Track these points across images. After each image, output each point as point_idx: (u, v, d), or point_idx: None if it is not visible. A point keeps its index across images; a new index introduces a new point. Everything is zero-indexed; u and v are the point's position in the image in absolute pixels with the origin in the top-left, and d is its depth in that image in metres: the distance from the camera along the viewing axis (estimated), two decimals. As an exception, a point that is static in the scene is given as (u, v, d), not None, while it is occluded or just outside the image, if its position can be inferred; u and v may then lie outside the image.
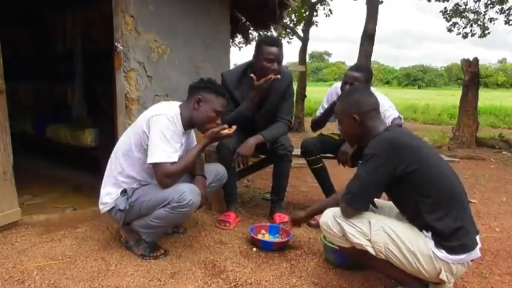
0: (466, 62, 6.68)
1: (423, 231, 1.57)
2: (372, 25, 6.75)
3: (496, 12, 9.83)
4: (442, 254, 1.52)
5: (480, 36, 10.31)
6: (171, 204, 1.92)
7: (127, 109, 2.77)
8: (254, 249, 2.24)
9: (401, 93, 29.78)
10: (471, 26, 10.30)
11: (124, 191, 2.03)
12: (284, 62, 2.70)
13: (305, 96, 9.67)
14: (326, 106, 2.85)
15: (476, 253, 1.57)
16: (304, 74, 10.02)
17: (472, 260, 1.60)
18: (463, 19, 10.28)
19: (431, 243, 1.54)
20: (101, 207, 2.09)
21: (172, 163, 1.93)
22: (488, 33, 10.22)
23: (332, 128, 3.15)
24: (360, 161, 1.67)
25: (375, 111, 1.75)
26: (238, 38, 8.26)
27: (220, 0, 3.55)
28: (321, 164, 2.79)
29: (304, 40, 9.78)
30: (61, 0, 4.31)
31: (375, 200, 1.92)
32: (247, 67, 2.66)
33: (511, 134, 8.33)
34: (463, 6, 10.00)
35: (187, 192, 1.92)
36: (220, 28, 3.62)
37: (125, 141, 2.07)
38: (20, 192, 2.55)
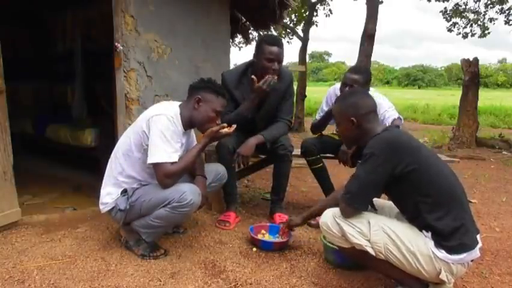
0: (466, 62, 6.68)
1: (423, 231, 1.57)
2: (372, 25, 6.74)
3: (496, 12, 9.84)
4: (442, 254, 1.52)
5: (480, 36, 10.32)
6: (172, 204, 1.92)
7: (127, 109, 2.77)
8: (254, 249, 2.24)
9: (401, 93, 29.78)
10: (471, 26, 10.31)
11: (125, 191, 2.03)
12: (284, 62, 2.69)
13: (305, 96, 9.68)
14: (325, 109, 2.85)
15: (476, 253, 1.57)
16: (304, 74, 10.02)
17: (472, 260, 1.60)
18: (463, 19, 10.29)
19: (431, 243, 1.54)
20: (101, 207, 2.09)
21: (172, 163, 1.93)
22: (488, 33, 10.22)
23: (332, 129, 3.15)
24: (360, 161, 1.68)
25: (373, 113, 1.76)
26: (238, 38, 8.27)
27: (220, 0, 3.55)
28: (321, 164, 2.79)
29: (304, 40, 9.78)
30: (61, 0, 4.31)
31: (375, 200, 1.92)
32: (248, 67, 2.66)
33: (511, 134, 8.33)
34: (463, 6, 10.01)
35: (187, 192, 1.92)
36: (220, 28, 3.62)
37: (125, 141, 2.07)
38: (20, 192, 2.55)
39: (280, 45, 2.51)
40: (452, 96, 20.60)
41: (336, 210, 1.71)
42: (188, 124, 2.09)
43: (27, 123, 4.39)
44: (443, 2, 9.92)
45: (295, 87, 8.08)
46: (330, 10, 10.21)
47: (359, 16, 8.47)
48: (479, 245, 1.59)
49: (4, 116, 2.35)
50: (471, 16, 10.17)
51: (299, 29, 10.37)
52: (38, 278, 1.84)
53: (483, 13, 10.05)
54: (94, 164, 3.29)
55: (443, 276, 1.53)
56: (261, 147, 2.58)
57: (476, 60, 6.65)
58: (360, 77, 2.52)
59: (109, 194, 2.06)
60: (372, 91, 2.60)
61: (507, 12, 9.63)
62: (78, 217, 2.69)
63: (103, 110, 4.07)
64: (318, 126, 2.88)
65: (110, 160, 2.13)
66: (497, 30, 12.25)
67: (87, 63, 4.33)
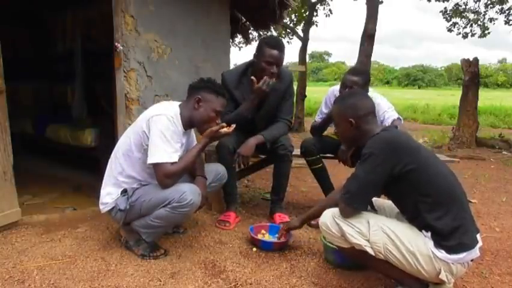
0: (466, 62, 6.68)
1: (423, 231, 1.57)
2: (372, 25, 6.75)
3: (496, 12, 9.85)
4: (442, 254, 1.52)
5: (480, 36, 10.32)
6: (172, 204, 1.92)
7: (127, 109, 2.77)
8: (254, 249, 2.24)
9: (401, 93, 29.78)
10: (471, 26, 10.31)
11: (124, 191, 2.03)
12: (284, 62, 2.69)
13: (305, 96, 9.68)
14: (324, 110, 2.85)
15: (476, 252, 1.57)
16: (304, 74, 10.03)
17: (472, 260, 1.60)
18: (463, 19, 10.29)
19: (431, 243, 1.54)
20: (101, 207, 2.09)
21: (173, 163, 1.93)
22: (488, 33, 10.23)
23: (332, 129, 3.15)
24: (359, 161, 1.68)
25: (371, 114, 1.76)
26: (238, 38, 8.28)
27: (220, 0, 3.55)
28: (321, 164, 2.79)
29: (304, 40, 9.79)
30: (61, 0, 4.31)
31: (375, 200, 1.92)
32: (248, 67, 2.66)
33: (511, 134, 8.33)
34: (463, 6, 10.01)
35: (187, 192, 1.92)
36: (220, 28, 3.62)
37: (126, 141, 2.07)
38: (20, 192, 2.55)
39: (281, 49, 2.51)
40: (452, 96, 20.60)
41: (335, 210, 1.71)
42: (188, 124, 2.09)
43: (27, 123, 4.39)
44: (443, 2, 9.94)
45: (295, 87, 8.09)
46: (330, 10, 10.23)
47: (359, 16, 8.47)
48: (479, 244, 1.59)
49: (4, 116, 2.35)
50: (471, 16, 10.18)
51: (299, 29, 10.38)
52: (38, 278, 1.84)
53: (483, 13, 10.06)
54: (94, 164, 3.29)
55: (443, 276, 1.53)
56: (261, 147, 2.58)
57: (476, 60, 6.65)
58: (359, 78, 2.52)
59: (109, 194, 2.06)
60: (371, 92, 2.60)
61: (507, 12, 9.63)
62: (78, 217, 2.69)
63: (103, 110, 4.07)
64: (317, 129, 2.88)
65: (110, 160, 2.13)
66: (497, 30, 12.26)
67: (87, 63, 4.33)
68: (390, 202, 1.85)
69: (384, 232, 1.60)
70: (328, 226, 1.72)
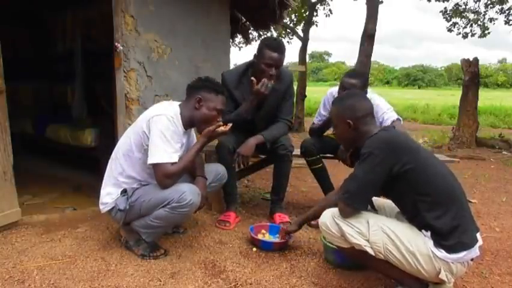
0: (466, 62, 6.69)
1: (423, 230, 1.57)
2: (372, 25, 6.75)
3: (496, 12, 9.84)
4: (441, 253, 1.52)
5: (480, 36, 10.31)
6: (171, 204, 1.92)
7: (127, 109, 2.77)
8: (254, 249, 2.24)
9: (401, 93, 29.80)
10: (471, 26, 10.31)
11: (124, 191, 2.03)
12: (284, 62, 2.69)
13: (305, 96, 9.69)
14: (322, 112, 2.85)
15: (476, 251, 1.57)
16: (304, 74, 10.03)
17: (472, 260, 1.60)
18: (463, 19, 10.29)
19: (430, 242, 1.54)
20: (101, 207, 2.09)
21: (173, 163, 1.93)
22: (488, 33, 10.22)
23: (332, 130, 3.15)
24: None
25: (370, 116, 1.76)
26: (238, 38, 8.29)
27: (220, 0, 3.55)
28: (321, 164, 2.79)
29: (304, 40, 9.79)
30: (61, 0, 4.31)
31: (375, 199, 1.93)
32: (248, 67, 2.66)
33: (511, 134, 8.33)
34: (463, 6, 10.01)
35: (187, 192, 1.92)
36: (220, 28, 3.62)
37: (126, 141, 2.07)
38: (20, 192, 2.55)
39: (281, 52, 2.50)
40: (452, 96, 20.61)
41: (335, 210, 1.71)
42: (188, 124, 2.09)
43: (27, 123, 4.39)
44: (443, 2, 9.93)
45: (295, 87, 8.09)
46: (330, 10, 10.22)
47: (359, 16, 8.47)
48: (479, 243, 1.59)
49: (4, 116, 2.35)
50: (471, 16, 10.17)
51: (299, 29, 10.38)
52: (38, 278, 1.84)
53: (483, 13, 10.06)
54: (94, 164, 3.29)
55: (443, 275, 1.53)
56: (261, 147, 2.58)
57: (476, 60, 6.65)
58: (357, 81, 2.52)
59: (109, 194, 2.06)
60: (369, 93, 2.60)
61: (507, 12, 9.63)
62: (78, 217, 2.69)
63: (103, 110, 4.07)
64: (316, 131, 2.87)
65: (110, 160, 2.13)
66: (497, 30, 12.26)
67: (87, 63, 4.33)
68: (390, 202, 1.86)
69: (384, 232, 1.60)
70: (328, 226, 1.72)
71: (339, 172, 3.29)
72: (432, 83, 56.25)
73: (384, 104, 2.60)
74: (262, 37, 7.16)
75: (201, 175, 2.23)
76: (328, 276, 1.96)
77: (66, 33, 4.64)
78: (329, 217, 1.72)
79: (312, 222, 2.13)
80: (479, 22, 10.17)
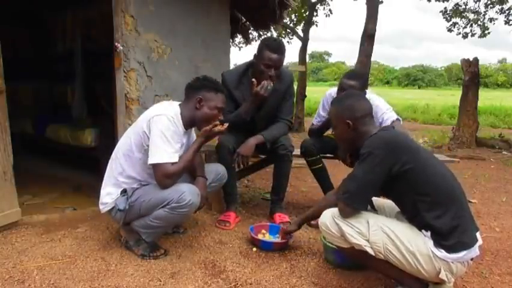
0: (466, 62, 6.69)
1: (423, 230, 1.57)
2: (372, 25, 6.75)
3: (496, 12, 9.85)
4: (441, 253, 1.52)
5: (480, 36, 10.32)
6: (170, 204, 1.92)
7: (127, 109, 2.77)
8: (254, 249, 2.24)
9: (401, 93, 29.80)
10: (471, 26, 10.31)
11: (124, 191, 2.03)
12: (284, 62, 2.69)
13: (305, 96, 9.69)
14: (322, 113, 2.85)
15: (476, 251, 1.57)
16: (304, 74, 10.03)
17: (472, 259, 1.60)
18: (463, 19, 10.29)
19: (430, 242, 1.54)
20: (101, 207, 2.09)
21: (173, 163, 1.93)
22: (488, 33, 10.23)
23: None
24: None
25: (369, 116, 1.76)
26: (238, 38, 8.29)
27: (220, 0, 3.55)
28: (321, 165, 2.79)
29: (304, 40, 9.79)
30: (61, 0, 4.31)
31: (375, 199, 1.93)
32: (248, 67, 2.66)
33: (511, 134, 8.33)
34: (463, 6, 10.01)
35: (186, 192, 1.92)
36: (220, 28, 3.62)
37: (126, 141, 2.07)
38: (20, 192, 2.55)
39: (280, 53, 2.49)
40: (452, 96, 20.61)
41: (335, 210, 1.71)
42: (189, 124, 2.09)
43: (27, 123, 4.39)
44: (443, 2, 9.93)
45: (295, 87, 8.08)
46: (330, 10, 10.23)
47: (359, 16, 8.47)
48: (479, 242, 1.59)
49: (4, 116, 2.35)
50: (471, 16, 10.17)
51: (299, 29, 10.39)
52: (38, 278, 1.84)
53: (483, 13, 10.06)
54: (94, 164, 3.29)
55: (443, 275, 1.53)
56: (261, 147, 2.58)
57: (476, 60, 6.66)
58: (356, 82, 2.51)
59: (109, 194, 2.06)
60: (369, 93, 2.59)
61: (507, 12, 9.63)
62: (78, 217, 2.69)
63: (103, 110, 4.07)
64: (315, 132, 2.87)
65: (110, 160, 2.13)
66: (497, 30, 12.26)
67: (87, 63, 4.33)
68: (390, 202, 1.86)
69: (384, 232, 1.60)
70: (328, 226, 1.72)
71: (339, 172, 3.29)
72: (432, 83, 56.24)
73: (384, 104, 2.60)
74: (262, 37, 7.16)
75: (201, 175, 2.23)
76: (328, 276, 1.96)
77: (66, 33, 4.64)
78: (329, 217, 1.72)
79: (312, 222, 2.13)
80: (479, 22, 10.18)
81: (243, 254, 2.18)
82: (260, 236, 2.31)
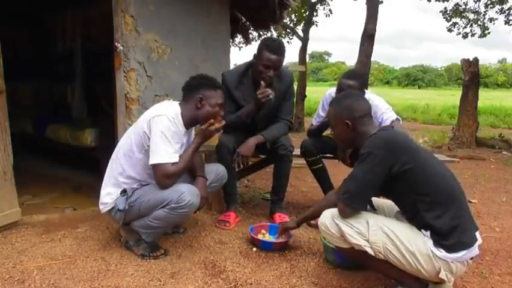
0: (466, 62, 6.69)
1: (422, 230, 1.57)
2: (372, 25, 6.75)
3: (496, 12, 9.85)
4: (441, 253, 1.52)
5: (480, 36, 10.32)
6: (170, 205, 1.92)
7: (127, 109, 2.77)
8: (254, 249, 2.24)
9: (401, 93, 29.80)
10: (471, 26, 10.32)
11: (124, 191, 2.03)
12: (284, 62, 2.69)
13: (305, 96, 9.69)
14: (321, 113, 2.85)
15: (475, 251, 1.57)
16: (304, 74, 10.03)
17: (471, 259, 1.60)
18: (463, 19, 10.30)
19: (430, 242, 1.54)
20: (101, 207, 2.09)
21: (173, 164, 1.93)
22: (488, 33, 10.23)
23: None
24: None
25: (367, 116, 1.76)
26: (238, 38, 8.29)
27: (220, 0, 3.55)
28: (321, 165, 2.79)
29: (304, 40, 9.79)
30: (61, 0, 4.31)
31: (375, 199, 1.92)
32: (248, 67, 2.66)
33: (511, 134, 8.33)
34: (463, 6, 10.01)
35: (186, 193, 1.92)
36: (220, 28, 3.62)
37: (126, 141, 2.07)
38: (20, 192, 2.55)
39: (280, 54, 2.48)
40: (452, 96, 20.61)
41: (334, 210, 1.71)
42: (189, 123, 2.10)
43: (27, 123, 4.39)
44: (443, 2, 9.94)
45: (295, 87, 8.09)
46: (330, 10, 10.23)
47: (359, 16, 8.47)
48: (479, 242, 1.59)
49: (4, 116, 2.35)
50: (471, 16, 10.18)
51: (299, 29, 10.39)
52: (38, 278, 1.84)
53: (483, 13, 10.07)
54: (94, 164, 3.29)
55: (443, 275, 1.53)
56: (261, 147, 2.58)
57: (476, 60, 6.66)
58: (355, 82, 2.51)
59: (109, 194, 2.06)
60: (368, 93, 2.59)
61: (507, 12, 9.63)
62: (78, 217, 2.69)
63: (103, 110, 4.07)
64: (314, 133, 2.87)
65: (110, 160, 2.13)
66: (497, 30, 12.26)
67: (87, 63, 4.33)
68: (389, 202, 1.86)
69: (383, 232, 1.60)
70: (327, 226, 1.72)
71: (339, 172, 3.29)
72: (432, 83, 56.23)
73: (383, 104, 2.60)
74: (263, 37, 7.16)
75: (201, 175, 2.22)
76: (328, 276, 1.96)
77: (66, 33, 4.64)
78: (329, 217, 1.72)
79: (312, 222, 2.13)
80: (479, 22, 10.18)
81: (243, 254, 2.18)
82: (260, 236, 2.31)
